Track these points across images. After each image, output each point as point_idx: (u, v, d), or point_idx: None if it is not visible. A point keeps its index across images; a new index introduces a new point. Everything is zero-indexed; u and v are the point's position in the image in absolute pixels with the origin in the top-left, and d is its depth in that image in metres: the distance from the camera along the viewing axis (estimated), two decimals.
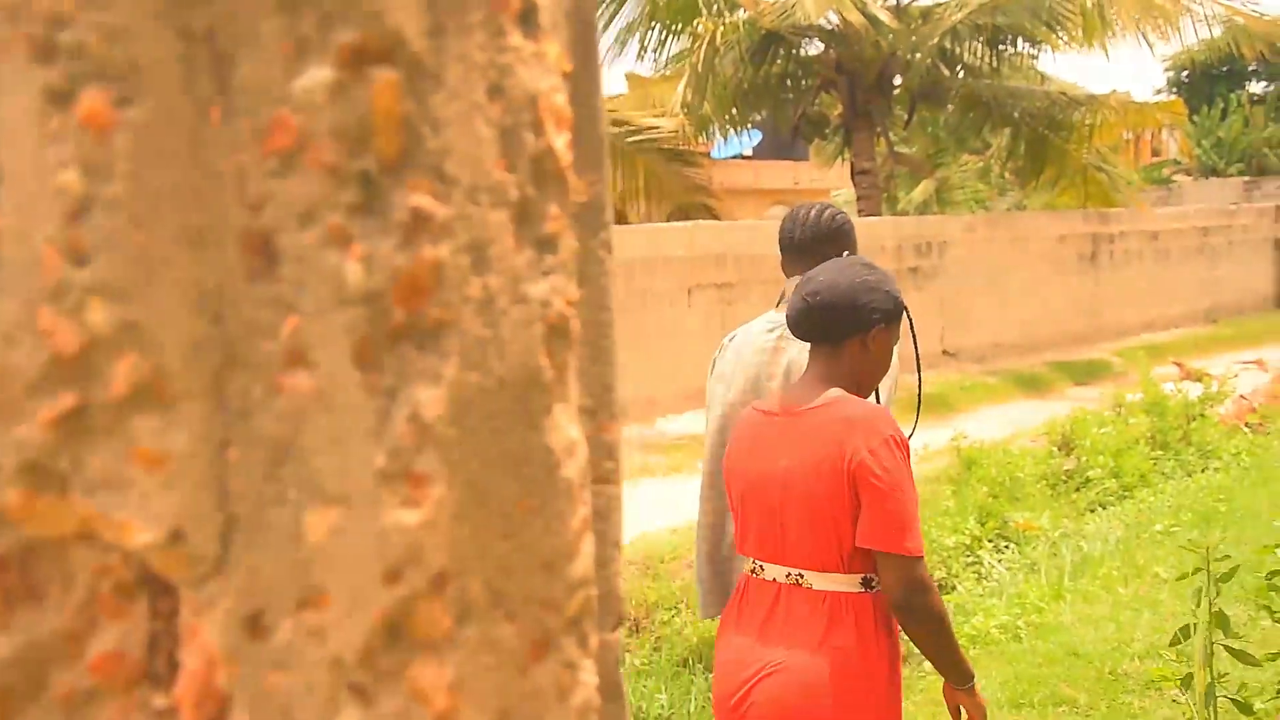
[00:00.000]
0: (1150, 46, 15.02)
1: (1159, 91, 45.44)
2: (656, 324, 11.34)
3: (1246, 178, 30.85)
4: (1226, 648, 3.02)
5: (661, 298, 11.39)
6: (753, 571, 2.13)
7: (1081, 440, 7.51)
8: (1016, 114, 16.12)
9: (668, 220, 14.07)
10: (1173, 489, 7.15)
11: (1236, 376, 11.30)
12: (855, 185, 16.14)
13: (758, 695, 2.04)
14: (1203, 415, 8.31)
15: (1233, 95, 35.71)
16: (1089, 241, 17.25)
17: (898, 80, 16.24)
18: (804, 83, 16.20)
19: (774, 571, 2.09)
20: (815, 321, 2.09)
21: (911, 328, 2.28)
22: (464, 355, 0.48)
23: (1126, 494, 7.19)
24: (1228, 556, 3.17)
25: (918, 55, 15.23)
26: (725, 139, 16.13)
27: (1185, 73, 43.99)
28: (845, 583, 2.04)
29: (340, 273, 0.47)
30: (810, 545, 2.03)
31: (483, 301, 0.49)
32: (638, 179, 13.69)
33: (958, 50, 15.81)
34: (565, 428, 0.51)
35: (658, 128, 13.71)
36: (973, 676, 2.12)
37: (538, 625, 0.50)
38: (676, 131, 14.01)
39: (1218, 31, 15.34)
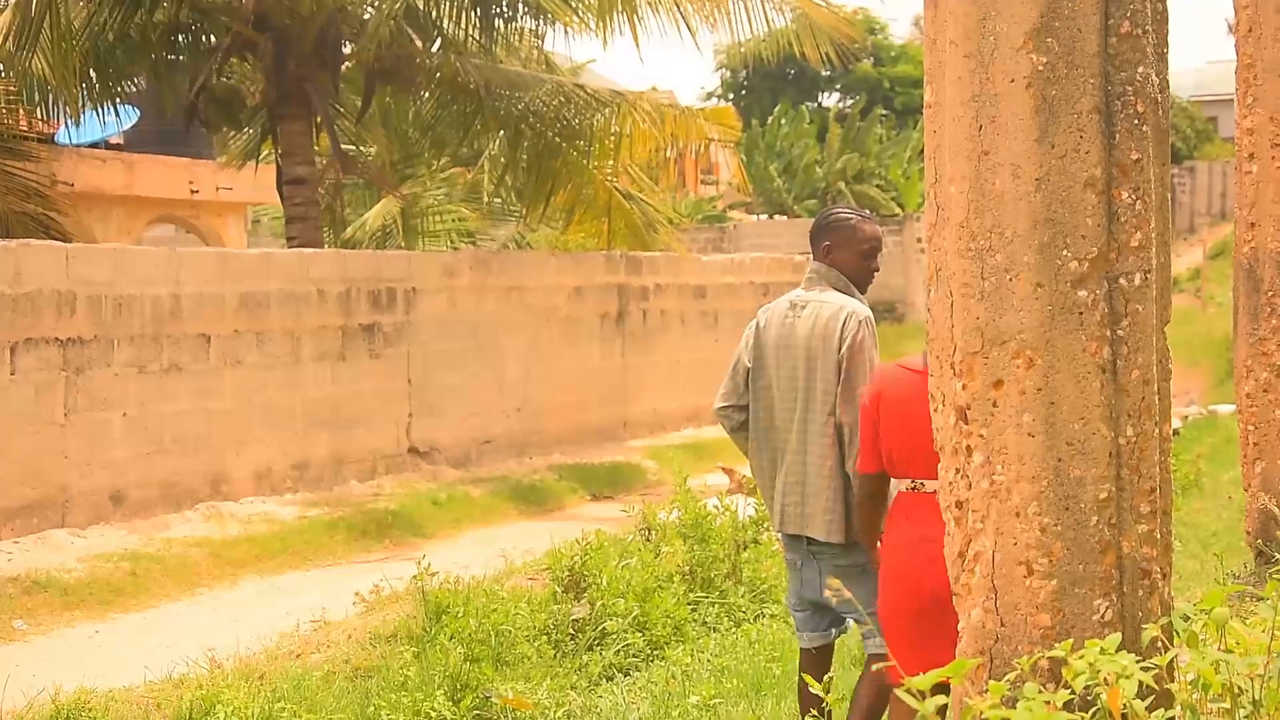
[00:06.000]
0: (693, 34, 16.28)
1: (710, 96, 49.51)
2: None
3: None
4: None
5: None
6: (914, 488, 4.63)
7: (596, 578, 7.85)
8: (517, 110, 16.85)
9: None
10: (716, 645, 7.63)
11: None
12: (284, 199, 16.10)
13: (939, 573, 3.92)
14: (756, 542, 8.95)
15: (803, 108, 39.58)
16: (614, 296, 18.33)
17: (348, 48, 16.48)
18: (206, 40, 16.01)
19: (931, 485, 4.43)
20: None
21: None
22: None
23: (656, 653, 7.58)
24: None
25: (376, 13, 15.55)
26: (77, 119, 15.57)
27: (743, 74, 48.34)
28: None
29: None
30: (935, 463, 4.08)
31: None
32: None
33: (435, 13, 16.34)
34: None
35: None
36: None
37: None
38: None
39: (780, 22, 16.94)
